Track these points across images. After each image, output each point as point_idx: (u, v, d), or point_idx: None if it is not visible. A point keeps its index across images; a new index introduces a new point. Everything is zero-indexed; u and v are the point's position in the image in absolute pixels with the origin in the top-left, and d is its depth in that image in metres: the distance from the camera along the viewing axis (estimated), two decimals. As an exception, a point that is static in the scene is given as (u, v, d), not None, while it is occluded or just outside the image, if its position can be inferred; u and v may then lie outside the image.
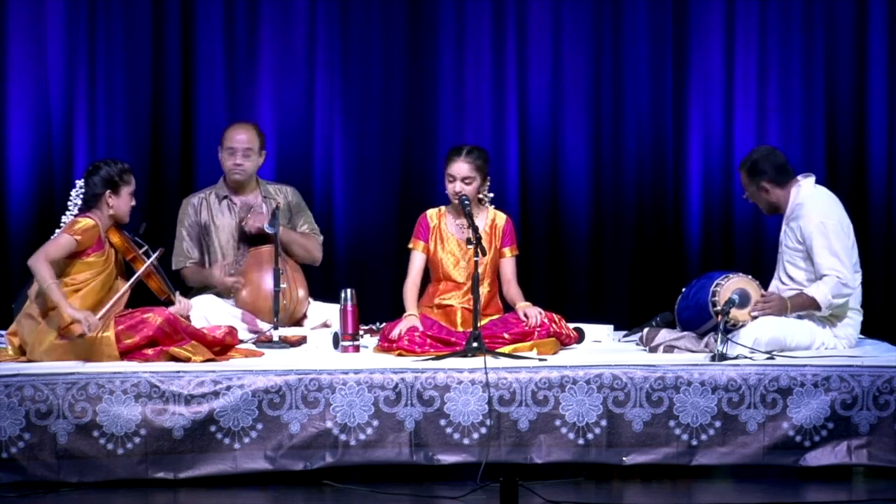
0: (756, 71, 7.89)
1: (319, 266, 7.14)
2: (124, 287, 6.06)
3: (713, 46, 7.91)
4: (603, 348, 6.45)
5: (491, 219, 6.55)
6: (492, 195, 6.59)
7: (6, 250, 7.70)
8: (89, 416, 5.62)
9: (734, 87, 7.91)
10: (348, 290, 6.28)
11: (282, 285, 6.59)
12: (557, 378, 5.76)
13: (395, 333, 6.17)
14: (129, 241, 6.22)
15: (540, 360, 5.92)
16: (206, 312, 6.69)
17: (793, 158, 7.12)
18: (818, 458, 5.78)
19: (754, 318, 6.04)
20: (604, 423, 5.74)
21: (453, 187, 6.39)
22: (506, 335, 6.19)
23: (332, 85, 7.86)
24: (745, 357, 5.91)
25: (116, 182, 6.08)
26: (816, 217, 6.15)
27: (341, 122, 7.89)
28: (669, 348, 6.20)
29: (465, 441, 5.74)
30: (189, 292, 6.92)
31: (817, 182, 6.36)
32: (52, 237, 6.06)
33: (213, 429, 5.67)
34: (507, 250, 6.53)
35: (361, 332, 6.45)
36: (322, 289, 7.12)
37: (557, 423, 5.74)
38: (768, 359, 5.90)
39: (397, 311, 6.44)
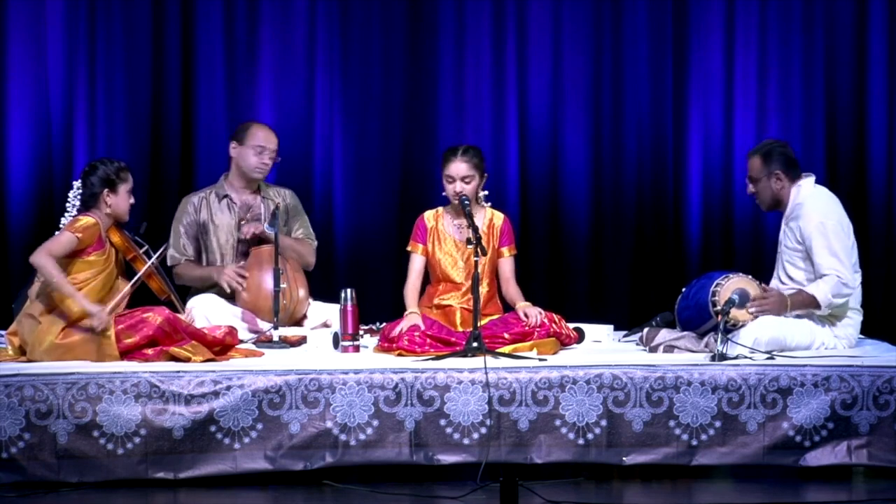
0: (756, 71, 7.90)
1: (320, 266, 7.14)
2: (128, 286, 6.06)
3: (713, 46, 7.91)
4: (603, 348, 6.45)
5: (488, 218, 6.55)
6: (486, 193, 6.59)
7: (6, 250, 7.70)
8: (89, 416, 5.62)
9: (734, 87, 7.92)
10: (348, 290, 6.28)
11: (282, 285, 6.59)
12: (557, 378, 5.76)
13: (396, 331, 6.17)
14: (129, 241, 6.23)
15: (540, 360, 5.92)
16: (207, 312, 6.68)
17: (793, 158, 7.13)
18: (818, 458, 5.78)
19: (752, 314, 6.03)
20: (604, 423, 5.74)
21: (453, 188, 6.39)
22: (506, 335, 6.19)
23: (332, 85, 7.86)
24: (745, 357, 5.91)
25: (114, 180, 6.08)
26: (816, 217, 6.15)
27: (341, 122, 7.89)
28: (669, 348, 6.20)
29: (465, 441, 5.74)
30: (189, 292, 6.92)
31: (817, 182, 6.36)
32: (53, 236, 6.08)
33: (213, 429, 5.67)
34: (505, 250, 6.54)
35: (361, 332, 6.45)
36: (322, 289, 7.13)
37: (557, 423, 5.74)
38: (768, 359, 5.90)
39: (397, 311, 6.44)
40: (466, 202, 6.33)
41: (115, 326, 5.92)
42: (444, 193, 6.50)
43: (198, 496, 5.65)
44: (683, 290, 6.40)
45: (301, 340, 6.55)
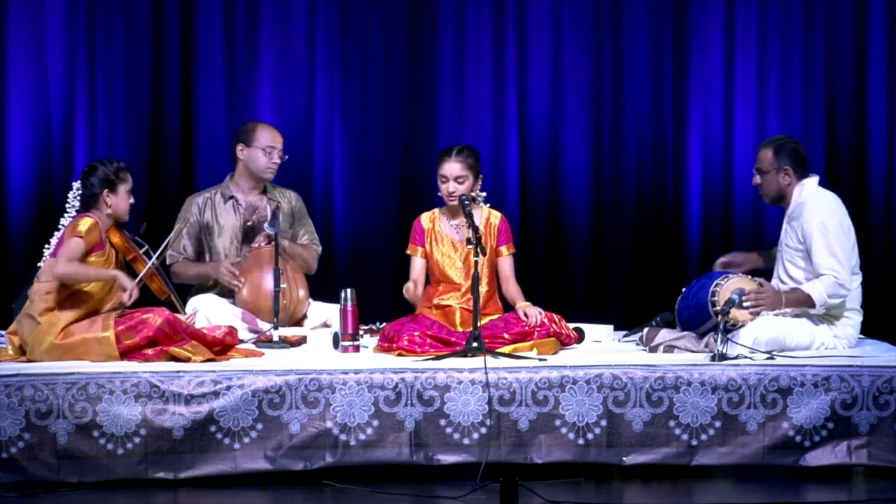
0: (756, 71, 7.89)
1: (319, 266, 7.14)
2: (137, 277, 6.09)
3: (713, 46, 7.91)
4: (603, 348, 6.45)
5: (486, 218, 6.55)
6: (484, 194, 6.59)
7: (6, 250, 7.70)
8: (89, 416, 5.62)
9: (734, 87, 7.91)
10: (348, 290, 6.28)
11: (282, 285, 6.59)
12: (557, 378, 5.76)
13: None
14: (129, 241, 6.23)
15: (540, 360, 5.92)
16: (206, 312, 6.68)
17: (793, 158, 7.12)
18: (818, 458, 5.78)
19: (747, 308, 6.02)
20: (604, 423, 5.74)
21: (447, 187, 6.40)
22: (506, 335, 6.19)
23: (332, 85, 7.86)
24: (745, 357, 5.91)
25: (113, 181, 6.09)
26: (818, 216, 6.15)
27: (341, 122, 7.89)
28: (669, 348, 6.20)
29: (465, 441, 5.74)
30: (189, 291, 6.92)
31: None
32: (56, 243, 6.07)
33: (213, 429, 5.67)
34: (503, 249, 6.54)
35: (361, 332, 6.45)
36: (322, 289, 7.12)
37: (557, 423, 5.74)
38: (768, 359, 5.90)
39: (397, 311, 6.45)
40: (466, 202, 6.33)
41: (115, 327, 5.92)
42: (439, 193, 6.51)
43: (198, 496, 5.65)
44: (683, 290, 6.40)
45: (301, 340, 6.55)
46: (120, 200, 6.10)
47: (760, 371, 5.78)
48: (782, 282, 6.30)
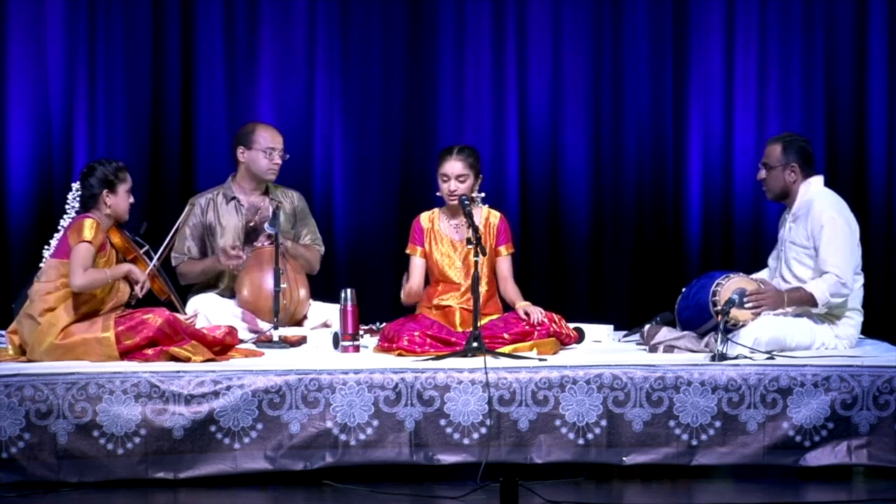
0: (756, 71, 7.89)
1: (320, 266, 7.14)
2: (147, 270, 6.10)
3: (713, 46, 7.91)
4: (603, 348, 6.45)
5: (485, 217, 6.55)
6: (483, 194, 6.59)
7: (6, 250, 7.70)
8: (89, 416, 5.62)
9: (734, 87, 7.91)
10: (348, 290, 6.29)
11: (282, 285, 6.59)
12: (557, 378, 5.76)
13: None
14: (129, 242, 6.23)
15: (540, 360, 5.92)
16: (207, 312, 6.69)
17: (793, 158, 7.13)
18: (818, 458, 5.78)
19: (749, 309, 6.02)
20: (604, 423, 5.74)
21: (448, 186, 6.40)
22: (506, 335, 6.19)
23: (332, 85, 7.86)
24: (745, 357, 5.91)
25: (112, 181, 6.09)
26: (828, 213, 6.15)
27: (341, 122, 7.89)
28: (669, 348, 6.20)
29: (465, 441, 5.74)
30: (189, 291, 6.92)
31: (816, 183, 6.38)
32: (55, 244, 6.07)
33: (213, 429, 5.67)
34: (502, 248, 6.54)
35: (361, 332, 6.45)
36: (322, 289, 7.12)
37: (557, 423, 5.74)
38: (768, 359, 5.90)
39: (397, 312, 6.44)
40: (466, 202, 6.33)
41: (115, 328, 5.92)
42: (438, 193, 6.51)
43: (198, 496, 5.65)
44: (683, 290, 6.40)
45: (301, 340, 6.55)
46: (119, 200, 6.10)
47: (760, 371, 5.78)
48: (785, 280, 6.29)
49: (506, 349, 6.05)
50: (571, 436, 5.75)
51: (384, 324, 6.47)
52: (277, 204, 6.89)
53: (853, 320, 6.25)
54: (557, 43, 7.91)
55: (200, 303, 6.76)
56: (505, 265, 6.53)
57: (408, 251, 6.56)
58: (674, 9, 7.91)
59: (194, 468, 5.68)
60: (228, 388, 5.68)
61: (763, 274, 6.49)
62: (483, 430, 5.72)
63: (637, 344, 6.48)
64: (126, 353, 5.91)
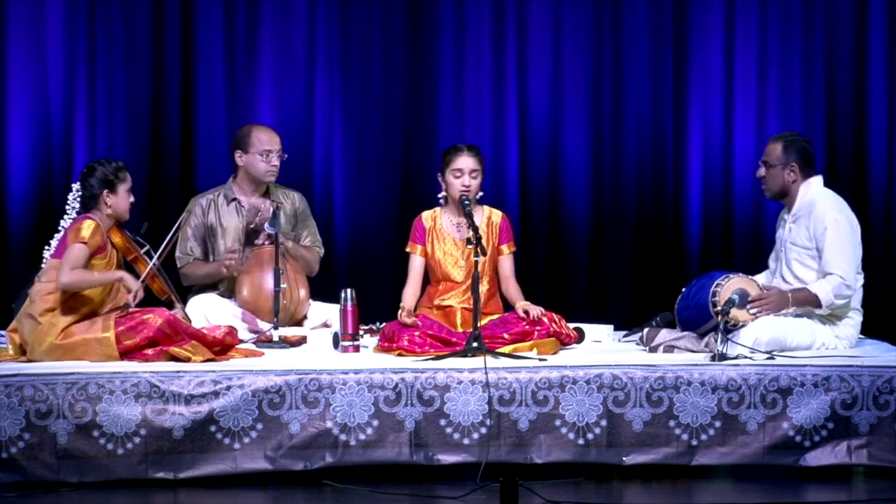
0: (756, 71, 7.89)
1: (319, 266, 7.14)
2: (140, 279, 6.08)
3: (713, 46, 7.91)
4: (603, 348, 6.45)
5: (487, 216, 6.55)
6: (482, 194, 6.58)
7: (6, 250, 7.70)
8: (89, 416, 5.62)
9: (734, 87, 7.91)
10: (348, 290, 6.29)
11: (282, 285, 6.59)
12: (557, 378, 5.76)
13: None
14: (130, 241, 6.23)
15: (540, 360, 5.92)
16: (206, 312, 6.69)
17: (793, 158, 7.13)
18: (818, 458, 5.78)
19: (753, 314, 6.03)
20: (604, 423, 5.74)
21: (462, 181, 6.40)
22: (506, 335, 6.19)
23: (332, 85, 7.86)
24: (745, 357, 5.91)
25: (112, 181, 6.09)
26: (831, 214, 6.15)
27: (341, 122, 7.89)
28: (669, 348, 6.20)
29: (465, 441, 5.74)
30: (189, 292, 6.92)
31: (816, 183, 6.38)
32: (55, 244, 6.07)
33: (213, 429, 5.67)
34: (504, 247, 6.54)
35: (361, 332, 6.45)
36: (322, 289, 7.12)
37: (557, 423, 5.74)
38: (768, 359, 5.90)
39: (397, 312, 6.44)
40: (466, 202, 6.34)
41: (115, 328, 5.92)
42: (440, 195, 6.51)
43: (198, 496, 5.64)
44: (683, 290, 6.40)
45: (301, 340, 6.55)
46: (120, 200, 6.10)
47: (760, 371, 5.78)
48: (786, 281, 6.29)
49: (506, 349, 6.05)
50: (571, 436, 5.75)
51: (384, 324, 6.47)
52: (277, 204, 6.89)
53: (853, 320, 6.25)
54: (557, 43, 7.91)
55: (200, 303, 6.76)
56: (507, 264, 6.53)
57: (408, 249, 6.56)
58: (674, 9, 7.91)
59: (194, 468, 5.68)
60: (228, 388, 5.68)
61: (763, 276, 6.49)
62: (483, 430, 5.72)
63: (636, 345, 6.48)
64: (126, 353, 5.91)
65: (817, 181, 6.31)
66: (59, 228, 6.16)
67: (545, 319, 6.26)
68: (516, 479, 5.40)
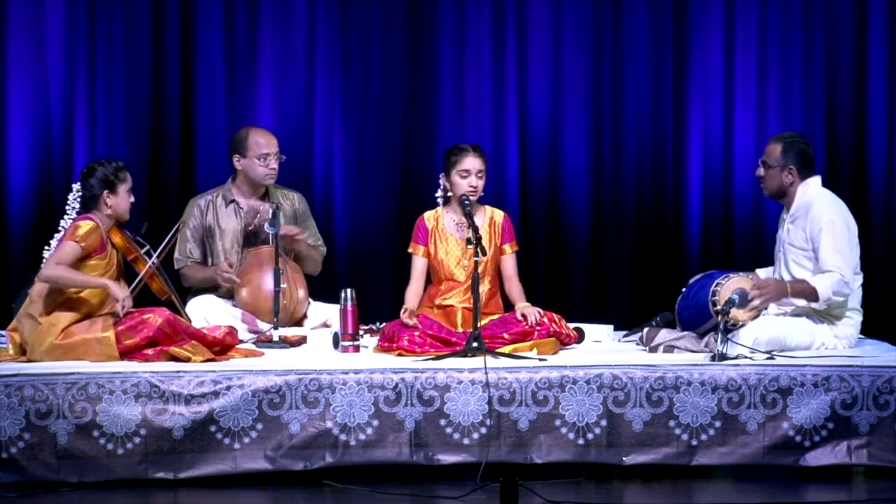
0: (756, 71, 7.89)
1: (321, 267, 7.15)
2: (134, 282, 6.08)
3: (713, 46, 7.91)
4: (603, 348, 6.45)
5: (489, 216, 6.55)
6: (482, 194, 6.59)
7: (6, 250, 7.70)
8: (89, 416, 5.62)
9: (734, 87, 7.91)
10: (348, 290, 6.29)
11: (282, 285, 6.59)
12: (557, 378, 5.76)
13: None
14: (130, 242, 6.23)
15: (540, 360, 5.92)
16: (206, 312, 6.69)
17: (793, 158, 7.13)
18: (818, 458, 5.78)
19: (754, 304, 6.01)
20: (604, 423, 5.74)
21: (469, 181, 6.40)
22: (506, 335, 6.19)
23: (332, 85, 7.86)
24: (745, 357, 5.91)
25: (113, 181, 6.09)
26: (827, 214, 6.16)
27: (341, 122, 7.89)
28: (669, 348, 6.20)
29: (465, 441, 5.74)
30: (188, 293, 6.92)
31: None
32: (55, 244, 6.07)
33: (213, 429, 5.67)
34: (507, 247, 6.54)
35: (361, 332, 6.45)
36: (322, 289, 7.12)
37: (557, 423, 5.74)
38: (768, 359, 5.90)
39: (397, 312, 6.44)
40: (467, 202, 6.34)
41: (115, 327, 5.92)
42: (440, 195, 6.53)
43: (198, 496, 5.65)
44: (683, 290, 6.40)
45: (301, 340, 6.55)
46: (120, 200, 6.10)
47: (760, 371, 5.78)
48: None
49: (506, 349, 6.05)
50: (571, 436, 5.75)
51: (384, 324, 6.47)
52: (277, 204, 6.89)
53: (852, 320, 6.25)
54: (557, 43, 7.91)
55: (200, 304, 6.75)
56: (510, 264, 6.54)
57: (410, 250, 6.56)
58: (674, 9, 7.91)
59: (194, 468, 5.68)
60: (228, 388, 5.68)
61: (765, 271, 6.49)
62: (483, 430, 5.72)
63: (636, 345, 6.48)
64: (126, 353, 5.91)
65: (815, 182, 6.31)
66: (59, 228, 6.16)
67: (545, 320, 6.26)
68: (516, 479, 5.40)
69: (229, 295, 6.85)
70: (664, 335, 6.27)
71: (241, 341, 6.32)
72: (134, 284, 6.14)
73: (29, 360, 5.94)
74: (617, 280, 7.95)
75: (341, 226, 7.90)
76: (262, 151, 6.84)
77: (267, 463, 5.70)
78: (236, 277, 6.69)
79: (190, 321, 6.31)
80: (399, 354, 6.08)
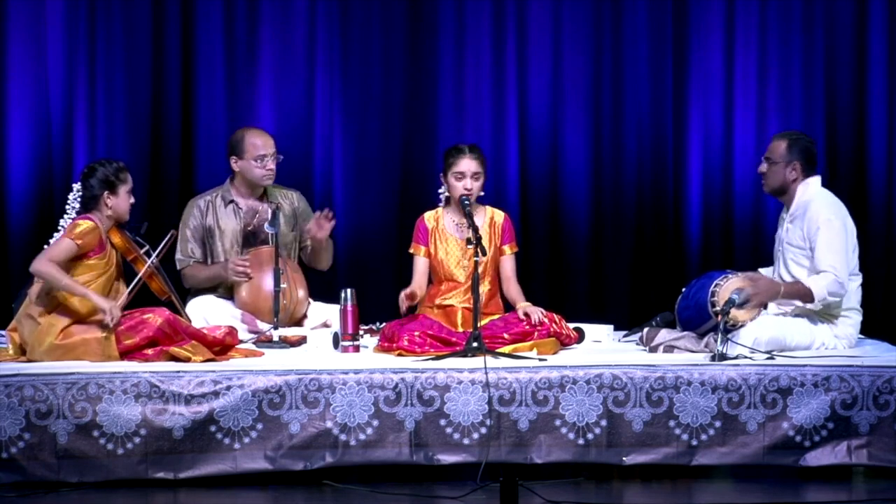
0: (756, 71, 7.89)
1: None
2: (132, 283, 6.07)
3: (713, 46, 7.91)
4: (603, 348, 6.45)
5: (489, 217, 6.55)
6: (482, 194, 6.58)
7: (6, 250, 7.70)
8: (89, 416, 5.62)
9: (734, 87, 7.91)
10: (348, 290, 6.28)
11: (282, 285, 6.59)
12: (557, 378, 5.76)
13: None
14: (130, 242, 6.22)
15: (540, 360, 5.92)
16: (206, 312, 6.68)
17: (793, 158, 7.13)
18: (818, 458, 5.78)
19: (748, 302, 6.01)
20: (604, 423, 5.74)
21: (464, 184, 6.39)
22: (506, 335, 6.19)
23: (332, 85, 7.86)
24: (745, 357, 5.91)
25: (113, 182, 6.08)
26: (824, 214, 6.16)
27: (341, 122, 7.89)
28: (669, 348, 6.20)
29: (465, 441, 5.74)
30: (188, 293, 6.91)
31: (816, 183, 6.38)
32: (52, 241, 6.07)
33: (213, 429, 5.67)
34: (506, 248, 6.54)
35: (361, 332, 6.45)
36: (322, 289, 7.12)
37: (557, 423, 5.74)
38: (768, 359, 5.90)
39: (397, 312, 6.44)
40: (467, 202, 6.34)
41: (115, 328, 5.91)
42: (442, 194, 6.52)
43: (198, 496, 5.65)
44: (683, 290, 6.40)
45: (301, 340, 6.55)
46: (120, 201, 6.10)
47: (760, 371, 5.78)
48: (782, 280, 6.29)
49: (506, 349, 6.05)
50: (571, 436, 5.75)
51: (384, 324, 6.47)
52: (277, 204, 6.89)
53: (852, 320, 6.25)
54: (557, 43, 7.91)
55: (200, 304, 6.75)
56: (509, 264, 6.53)
57: (411, 251, 6.56)
58: (674, 9, 7.91)
59: (194, 468, 5.68)
60: (228, 388, 5.68)
61: (768, 271, 6.49)
62: (483, 430, 5.72)
63: (636, 345, 6.48)
64: (126, 353, 5.91)
65: (815, 181, 6.32)
66: (59, 228, 6.15)
67: (545, 320, 6.26)
68: (516, 479, 5.40)
69: (229, 295, 6.84)
70: (664, 335, 6.27)
71: (241, 341, 6.32)
72: (133, 284, 6.14)
73: (29, 360, 5.94)
74: (617, 280, 7.95)
75: (341, 226, 7.88)
76: (258, 153, 6.83)
77: (267, 463, 5.70)
78: (249, 275, 6.68)
79: (190, 321, 6.31)
80: (399, 354, 6.08)
